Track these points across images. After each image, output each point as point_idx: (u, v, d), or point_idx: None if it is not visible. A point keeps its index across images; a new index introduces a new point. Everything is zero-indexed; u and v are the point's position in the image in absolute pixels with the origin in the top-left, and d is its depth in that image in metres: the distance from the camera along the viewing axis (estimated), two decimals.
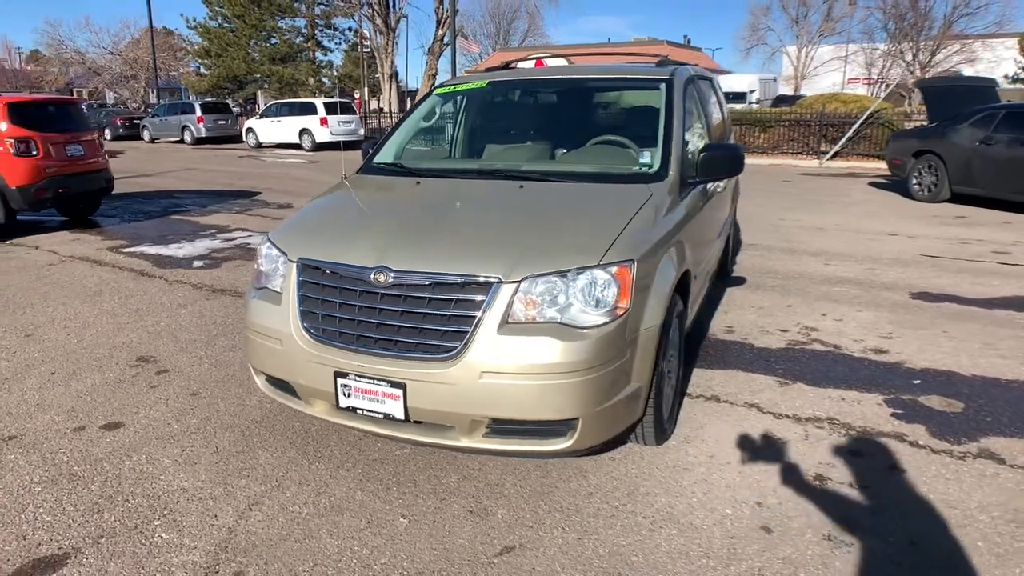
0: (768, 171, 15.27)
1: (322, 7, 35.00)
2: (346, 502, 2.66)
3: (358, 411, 2.58)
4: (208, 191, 12.30)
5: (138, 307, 5.20)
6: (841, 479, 2.79)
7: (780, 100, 29.18)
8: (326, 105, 22.36)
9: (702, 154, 3.28)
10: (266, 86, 34.55)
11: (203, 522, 2.54)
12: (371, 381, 2.50)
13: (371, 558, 2.34)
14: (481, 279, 2.42)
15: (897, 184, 11.51)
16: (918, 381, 3.76)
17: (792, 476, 2.82)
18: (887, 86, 32.44)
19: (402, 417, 2.50)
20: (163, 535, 2.46)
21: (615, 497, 2.68)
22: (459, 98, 4.33)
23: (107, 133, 27.36)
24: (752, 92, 35.28)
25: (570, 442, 2.45)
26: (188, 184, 13.31)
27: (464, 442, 2.50)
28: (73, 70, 45.87)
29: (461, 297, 2.43)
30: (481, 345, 2.37)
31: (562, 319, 2.41)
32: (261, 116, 23.94)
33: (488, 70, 4.34)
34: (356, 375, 2.51)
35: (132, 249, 7.31)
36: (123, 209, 10.08)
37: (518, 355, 2.34)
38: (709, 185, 3.91)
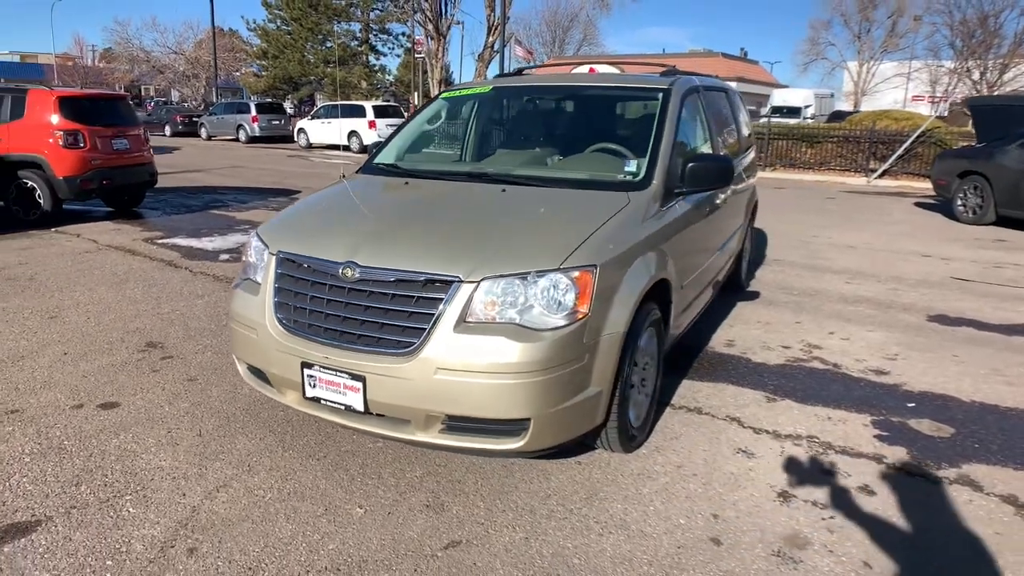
0: (812, 188, 14.94)
1: (377, 12, 35.82)
2: (309, 489, 2.74)
3: (322, 401, 2.66)
4: (251, 188, 12.72)
5: (158, 295, 5.44)
6: (807, 497, 2.74)
7: (836, 116, 28.43)
8: (375, 108, 22.87)
9: (688, 165, 3.27)
10: (320, 88, 35.53)
11: (171, 499, 2.66)
12: (334, 373, 2.57)
13: (320, 543, 2.41)
14: (442, 278, 2.48)
15: (943, 205, 11.10)
16: (912, 404, 3.65)
17: (756, 491, 2.77)
18: (950, 104, 31.25)
19: (362, 409, 2.57)
20: (131, 509, 2.59)
21: (572, 500, 2.69)
22: (466, 103, 4.40)
23: (167, 129, 28.59)
24: (807, 107, 34.55)
25: (522, 442, 2.48)
26: (234, 181, 13.79)
27: (420, 437, 2.55)
28: (139, 68, 48.02)
29: (422, 295, 2.49)
30: (437, 342, 2.42)
31: (521, 320, 2.44)
32: (312, 117, 24.63)
33: (498, 76, 4.41)
34: (321, 366, 2.60)
35: (165, 240, 7.63)
36: (167, 202, 10.51)
37: (472, 353, 2.38)
38: (711, 196, 3.89)
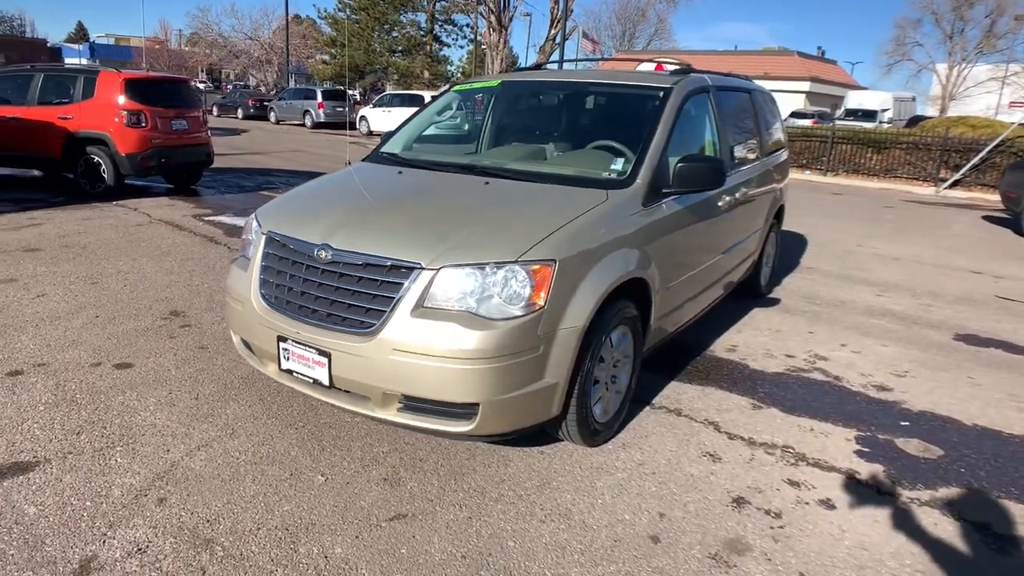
0: (873, 195, 14.36)
1: (443, 3, 36.28)
2: (281, 455, 2.92)
3: (294, 373, 2.83)
4: (305, 172, 13.18)
5: (193, 269, 5.77)
6: (761, 505, 2.73)
7: (915, 121, 27.07)
8: (434, 99, 23.19)
9: (678, 165, 3.27)
10: (385, 76, 36.33)
11: (155, 453, 2.88)
12: (304, 347, 2.73)
13: (277, 505, 2.57)
14: (405, 264, 2.59)
15: (1013, 220, 10.46)
16: (906, 423, 3.55)
17: (711, 494, 2.79)
18: None
19: (327, 383, 2.72)
20: (119, 459, 2.82)
21: (524, 487, 2.77)
22: (476, 95, 4.50)
23: (239, 112, 29.77)
24: (884, 111, 33.05)
25: (472, 425, 2.58)
26: (291, 164, 14.32)
27: (378, 413, 2.68)
28: (217, 53, 50.16)
29: (386, 279, 2.61)
30: (395, 325, 2.54)
31: (477, 309, 2.53)
32: (375, 105, 25.22)
33: (511, 70, 4.48)
34: (293, 340, 2.76)
35: (213, 218, 8.05)
36: (223, 182, 11.04)
37: (425, 337, 2.49)
38: (711, 197, 3.86)
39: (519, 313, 2.54)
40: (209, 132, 10.00)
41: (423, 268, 2.57)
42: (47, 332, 4.16)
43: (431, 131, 4.30)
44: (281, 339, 2.80)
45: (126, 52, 54.02)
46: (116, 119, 8.54)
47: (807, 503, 2.77)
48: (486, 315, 2.52)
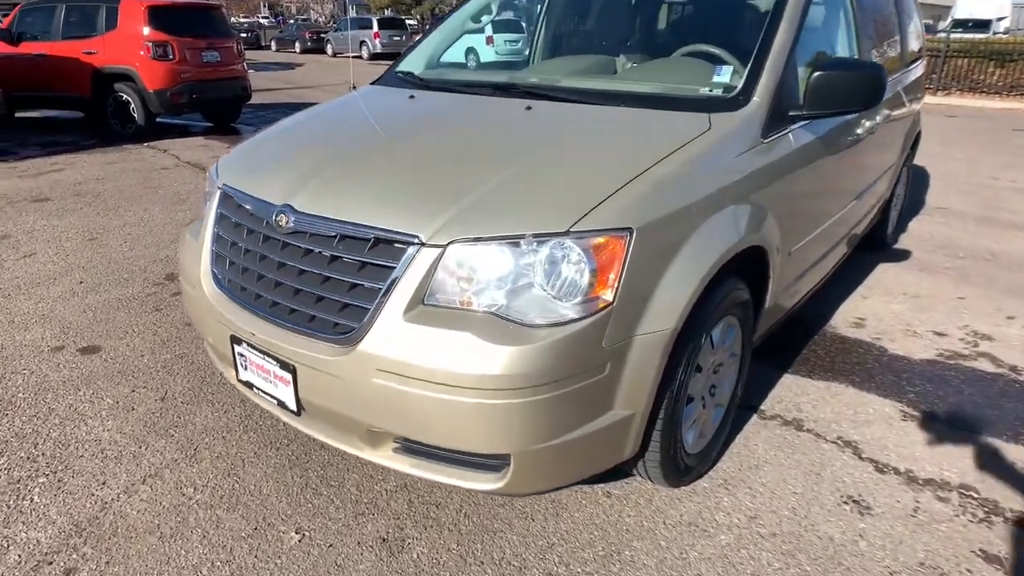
0: (997, 116, 12.36)
1: None
2: (249, 494, 2.14)
3: (255, 389, 2.01)
4: None
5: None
6: None
7: None
8: (495, 23, 21.68)
9: (815, 75, 2.18)
10: (443, 1, 34.60)
11: (86, 489, 2.15)
12: (263, 356, 1.89)
13: None
14: (396, 237, 1.68)
15: None
16: None
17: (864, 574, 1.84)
18: None
19: (294, 408, 1.88)
20: (36, 498, 2.11)
21: (583, 557, 1.90)
22: None
23: (296, 45, 29.00)
24: (1000, 19, 29.23)
25: (499, 483, 1.70)
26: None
27: (367, 455, 1.84)
28: None
29: (369, 260, 1.71)
30: (381, 331, 1.65)
31: (508, 308, 1.61)
32: (449, 46, 23.84)
33: None
34: (249, 344, 1.92)
35: None
36: (264, 119, 10.29)
37: (425, 352, 1.60)
38: (850, 122, 2.77)
39: (573, 315, 1.60)
40: (245, 64, 9.21)
41: (423, 244, 1.65)
42: (17, 304, 3.51)
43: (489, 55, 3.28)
44: (235, 340, 1.97)
45: None
46: (141, 52, 7.82)
47: None
48: (521, 318, 1.60)
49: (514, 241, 1.62)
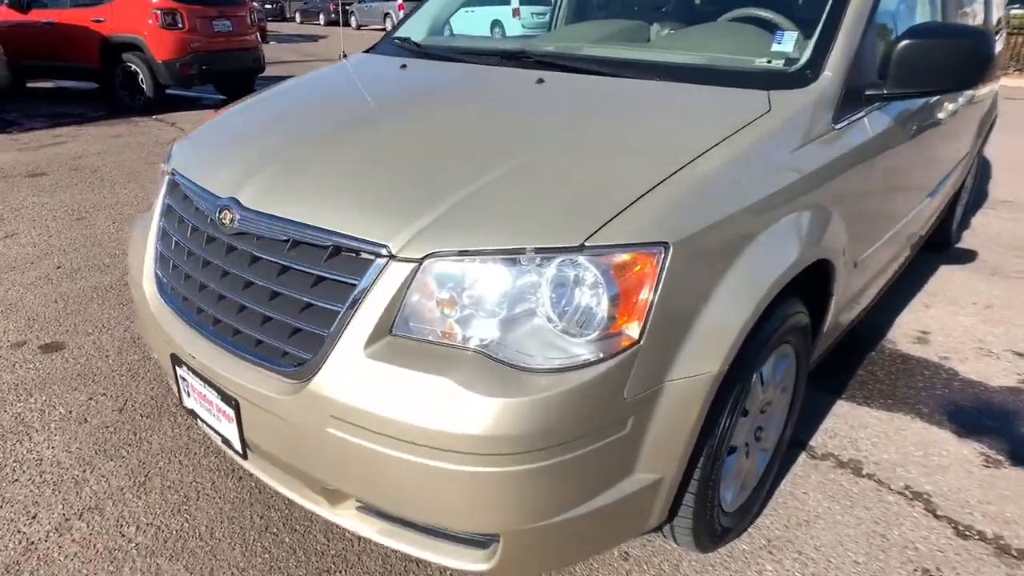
0: None
1: None
2: (199, 537, 1.80)
3: (200, 420, 1.66)
4: None
5: None
6: None
7: None
8: None
9: (903, 44, 1.73)
10: None
11: (13, 524, 1.83)
12: (204, 384, 1.54)
13: None
14: (359, 245, 1.30)
15: None
16: None
17: None
18: None
19: (239, 449, 1.53)
20: None
21: None
22: None
23: (320, 17, 28.56)
24: None
25: (488, 564, 1.33)
26: None
27: (325, 512, 1.48)
28: None
29: (327, 273, 1.33)
30: (337, 367, 1.28)
31: (502, 343, 1.23)
32: (461, 6, 23.24)
33: None
34: (189, 368, 1.57)
35: None
36: None
37: (391, 400, 1.22)
38: (932, 104, 2.32)
39: (588, 355, 1.21)
40: (258, 35, 8.83)
41: (392, 256, 1.27)
42: None
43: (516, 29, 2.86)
44: (176, 361, 1.62)
45: None
46: (149, 20, 7.48)
47: None
48: (518, 359, 1.21)
49: (511, 257, 1.23)
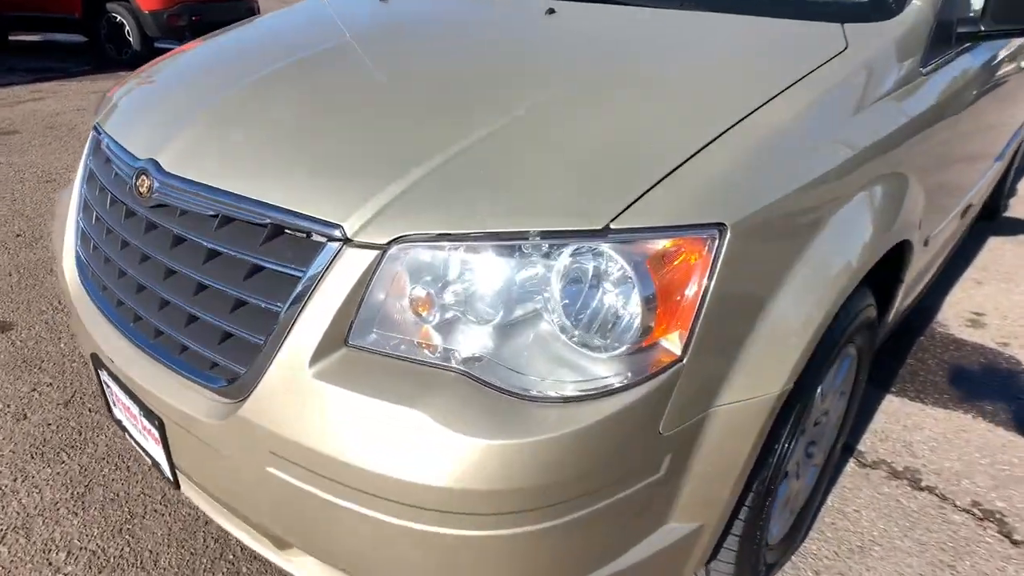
0: None
1: None
2: (140, 566, 1.52)
3: (128, 434, 1.35)
4: None
5: None
6: None
7: None
8: None
9: None
10: None
11: None
12: (126, 393, 1.23)
13: None
14: (305, 225, 0.97)
15: None
16: None
17: None
18: None
19: (169, 476, 1.23)
20: None
21: None
22: None
23: None
24: None
25: None
26: None
27: (273, 556, 1.18)
28: None
29: (263, 261, 1.01)
30: (276, 386, 0.96)
31: (496, 359, 0.91)
32: None
33: None
34: (110, 373, 1.26)
35: None
36: None
37: (346, 437, 0.90)
38: (1020, 51, 1.95)
39: (614, 379, 0.89)
40: None
41: (347, 239, 0.94)
42: None
43: None
44: (97, 362, 1.31)
45: None
46: None
47: None
48: (518, 382, 0.89)
49: (509, 243, 0.90)
